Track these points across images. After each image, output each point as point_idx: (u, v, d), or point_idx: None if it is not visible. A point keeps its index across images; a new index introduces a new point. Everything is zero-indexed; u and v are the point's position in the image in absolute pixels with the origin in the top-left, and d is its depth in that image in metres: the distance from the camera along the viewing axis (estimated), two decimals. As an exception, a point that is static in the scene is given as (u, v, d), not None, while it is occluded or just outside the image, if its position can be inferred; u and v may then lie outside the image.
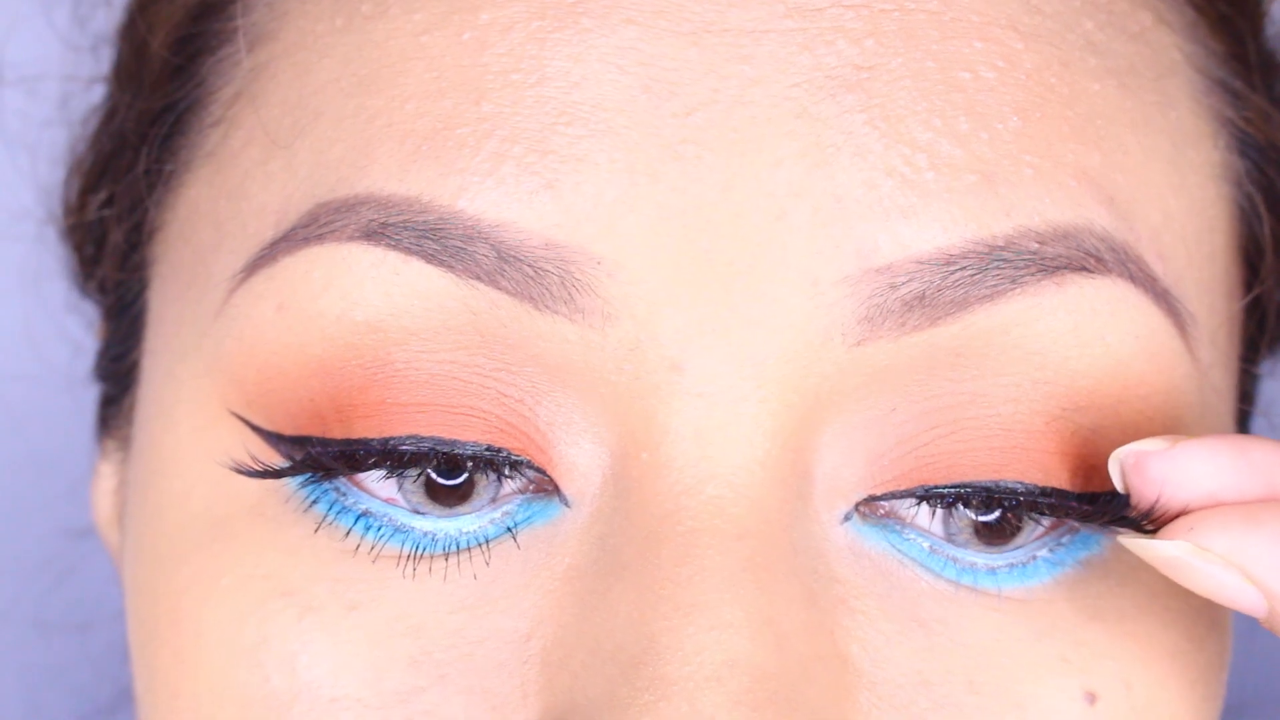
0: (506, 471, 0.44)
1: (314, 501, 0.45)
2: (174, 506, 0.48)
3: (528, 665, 0.44)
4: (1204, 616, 0.48)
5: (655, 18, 0.44)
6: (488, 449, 0.44)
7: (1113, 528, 0.45)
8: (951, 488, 0.44)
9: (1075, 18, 0.46)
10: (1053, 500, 0.45)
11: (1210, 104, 0.49)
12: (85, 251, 0.58)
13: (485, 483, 0.45)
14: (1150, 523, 0.45)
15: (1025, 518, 0.45)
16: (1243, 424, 0.56)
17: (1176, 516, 0.45)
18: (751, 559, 0.43)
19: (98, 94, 0.59)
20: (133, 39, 0.54)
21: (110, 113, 0.56)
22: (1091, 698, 0.45)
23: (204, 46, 0.50)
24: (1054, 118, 0.45)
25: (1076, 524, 0.45)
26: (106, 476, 0.57)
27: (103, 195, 0.55)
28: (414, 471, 0.45)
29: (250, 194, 0.47)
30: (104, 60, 0.58)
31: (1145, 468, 0.43)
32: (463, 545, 0.45)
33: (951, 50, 0.44)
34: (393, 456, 0.44)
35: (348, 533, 0.45)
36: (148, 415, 0.50)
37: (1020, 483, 0.45)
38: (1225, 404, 0.49)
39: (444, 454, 0.44)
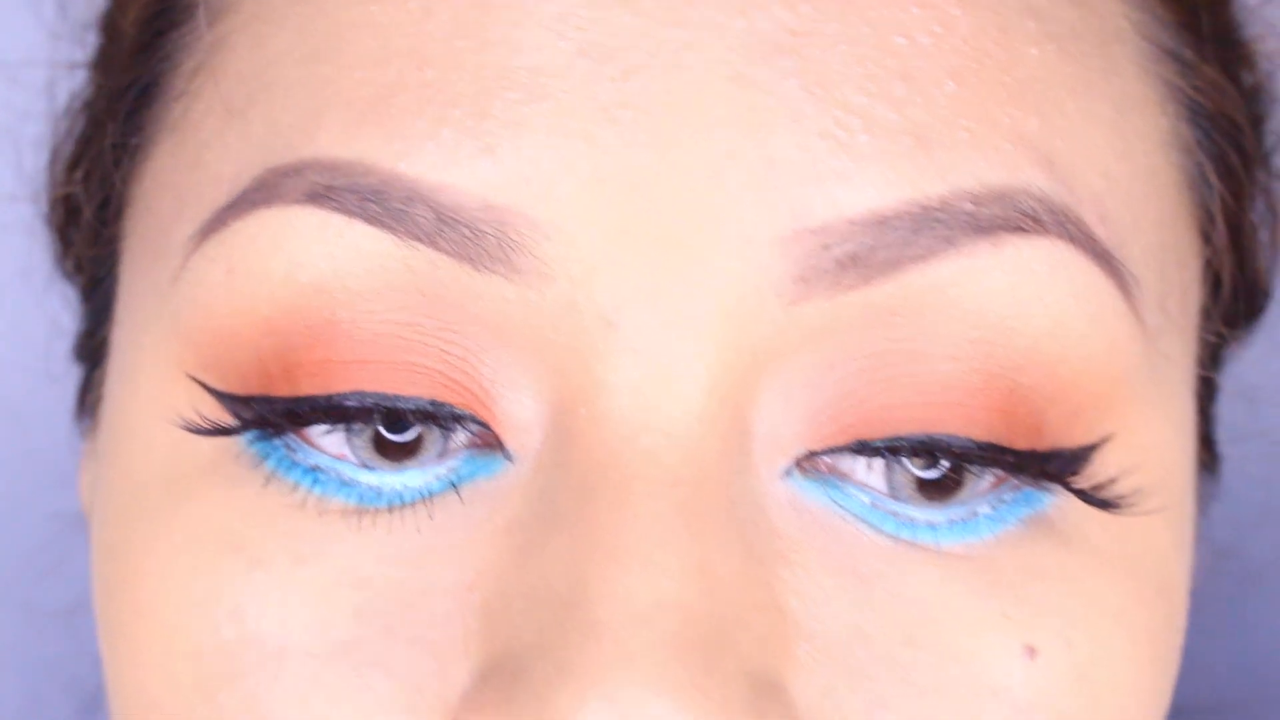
0: (449, 425, 0.45)
1: (264, 458, 0.46)
2: (135, 469, 0.49)
3: (470, 615, 0.44)
4: (1152, 580, 0.48)
5: None
6: (430, 404, 0.45)
7: (1047, 483, 0.45)
8: (885, 440, 0.45)
9: None
10: (988, 453, 0.45)
11: (1159, 72, 0.49)
12: (63, 230, 0.59)
13: (432, 438, 0.46)
14: (1085, 484, 0.45)
15: (966, 473, 0.46)
16: (1207, 396, 0.56)
17: (1112, 483, 0.45)
18: (685, 505, 0.43)
19: (80, 80, 0.60)
20: (108, 22, 0.55)
21: (88, 97, 0.58)
22: (1031, 652, 0.45)
23: (169, 22, 0.51)
24: (990, 82, 0.45)
25: (1011, 476, 0.46)
26: (90, 457, 0.58)
27: (78, 174, 0.56)
28: (360, 427, 0.45)
29: (207, 163, 0.48)
30: (89, 48, 0.59)
31: None
32: (407, 500, 0.45)
33: (887, 16, 0.45)
34: (336, 412, 0.45)
35: (295, 486, 0.46)
36: (114, 384, 0.51)
37: (955, 436, 0.45)
38: (1179, 372, 0.49)
39: (387, 409, 0.45)
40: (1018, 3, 0.46)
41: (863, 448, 0.45)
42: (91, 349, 0.57)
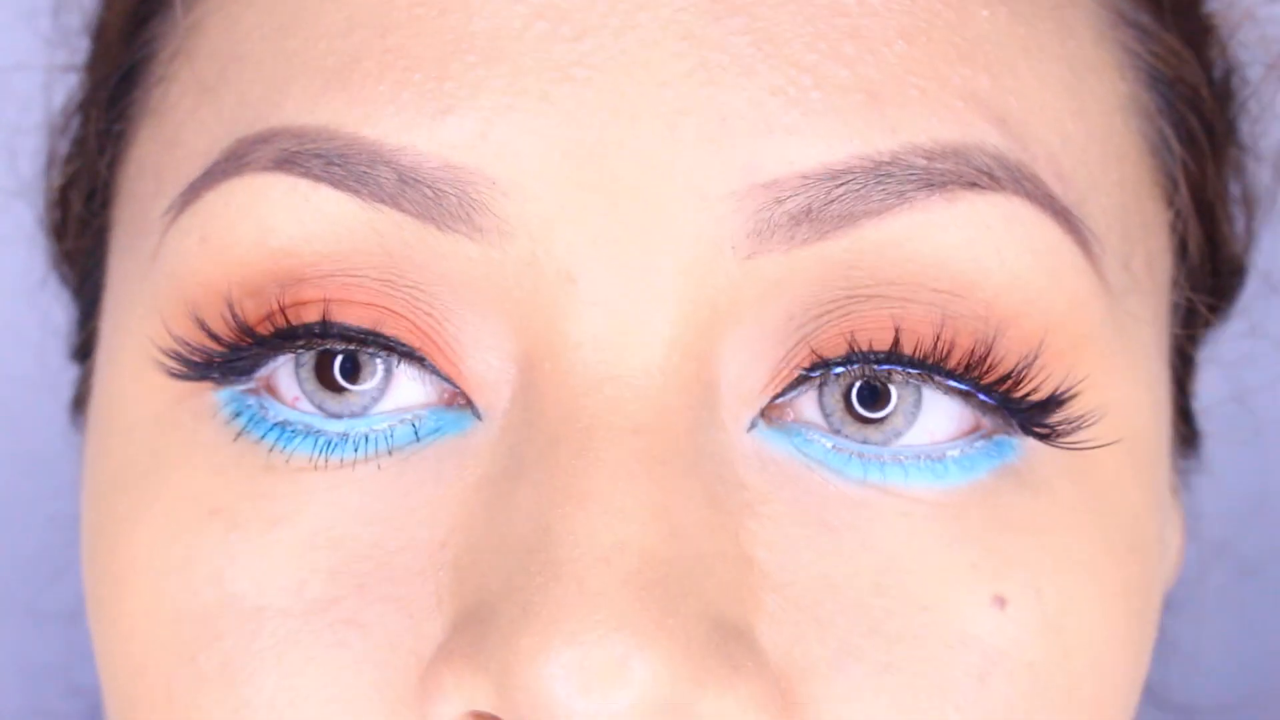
0: (404, 358, 0.46)
1: (237, 414, 0.47)
2: (119, 446, 0.50)
3: (441, 571, 0.45)
4: (1125, 537, 0.48)
5: None
6: (393, 340, 0.46)
7: (1018, 430, 0.46)
8: (840, 358, 0.45)
9: None
10: (924, 368, 0.46)
11: (1116, 37, 0.50)
12: (58, 231, 0.60)
13: (372, 368, 0.46)
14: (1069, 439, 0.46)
15: (889, 383, 0.46)
16: (1185, 370, 0.56)
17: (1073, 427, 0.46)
18: (647, 452, 0.44)
19: (74, 85, 0.61)
20: (98, 21, 0.57)
21: (80, 99, 0.59)
22: (1000, 602, 0.45)
23: (150, 11, 0.53)
24: (941, 42, 0.46)
25: (980, 423, 0.46)
26: None
27: (69, 169, 0.58)
28: (304, 358, 0.46)
29: (183, 140, 0.49)
30: (82, 53, 0.60)
31: None
32: (371, 443, 0.46)
33: None
34: (300, 334, 0.46)
35: (259, 440, 0.47)
36: (100, 369, 0.52)
37: (920, 349, 0.45)
38: (1149, 333, 0.50)
39: (351, 335, 0.46)
40: None
41: (818, 365, 0.45)
42: (83, 343, 0.58)
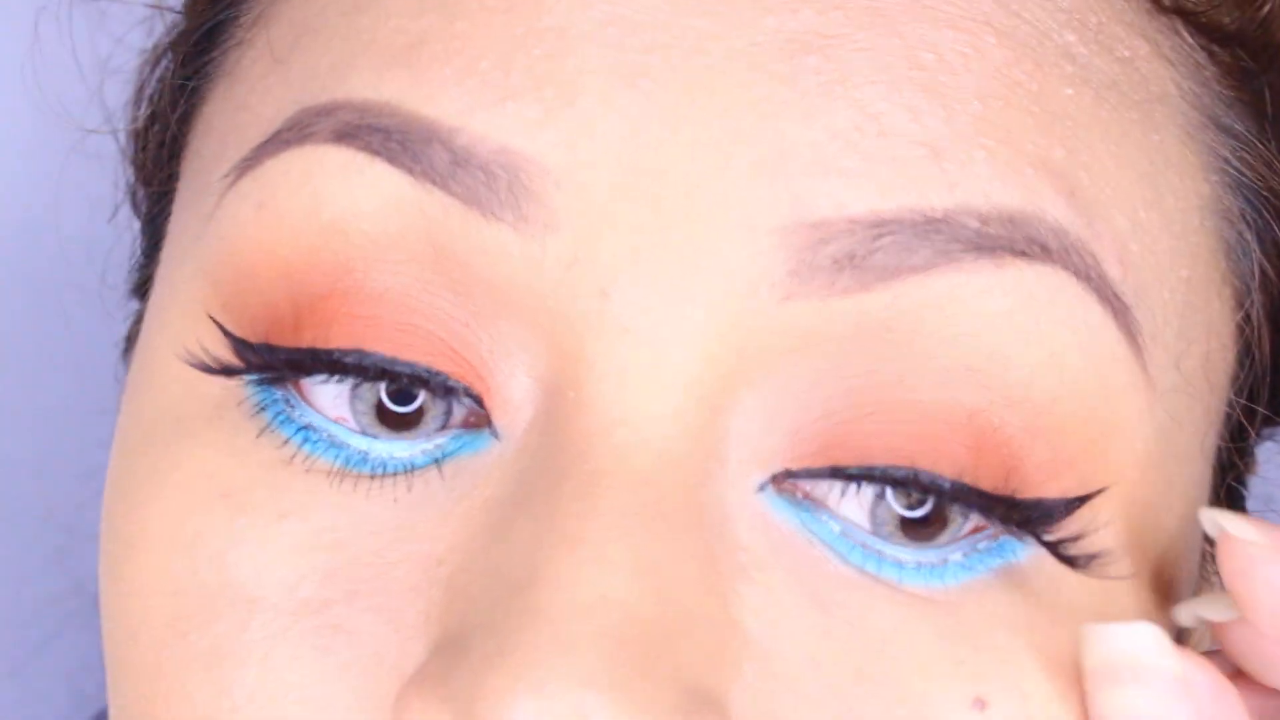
0: (440, 394, 0.46)
1: (262, 408, 0.47)
2: (149, 404, 0.50)
3: (435, 590, 0.45)
4: None
5: None
6: (426, 370, 0.46)
7: (1019, 531, 0.45)
8: (860, 469, 0.45)
9: (1058, 29, 0.46)
10: (959, 493, 0.45)
11: (1205, 140, 0.49)
12: (137, 163, 0.60)
13: (435, 413, 0.46)
14: (1059, 535, 0.44)
15: (950, 514, 0.45)
16: (1232, 474, 0.54)
17: (1087, 539, 0.45)
18: (647, 506, 0.43)
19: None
20: None
21: (171, 39, 0.59)
22: (981, 704, 0.44)
23: None
24: (1018, 109, 0.45)
25: (985, 521, 0.45)
26: None
27: (147, 111, 0.58)
28: (358, 383, 0.46)
29: (250, 105, 0.49)
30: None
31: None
32: (390, 469, 0.46)
33: (920, 32, 0.45)
34: (335, 366, 0.46)
35: (286, 441, 0.47)
36: (148, 320, 0.52)
37: (928, 471, 0.44)
38: (1189, 438, 0.48)
39: (383, 369, 0.46)
40: (1056, 46, 0.46)
41: (836, 473, 0.45)
42: (142, 285, 0.59)
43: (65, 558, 0.71)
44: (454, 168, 0.45)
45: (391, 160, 0.45)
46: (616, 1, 0.45)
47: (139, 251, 0.60)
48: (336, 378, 0.46)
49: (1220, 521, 0.44)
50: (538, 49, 0.45)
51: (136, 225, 0.62)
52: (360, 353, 0.46)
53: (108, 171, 0.64)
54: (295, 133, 0.47)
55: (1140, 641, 0.44)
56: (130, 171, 0.62)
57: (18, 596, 0.73)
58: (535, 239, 0.44)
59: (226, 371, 0.47)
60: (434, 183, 0.45)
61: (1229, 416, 0.51)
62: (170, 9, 0.60)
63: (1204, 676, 0.43)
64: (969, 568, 0.45)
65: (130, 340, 0.61)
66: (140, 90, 0.61)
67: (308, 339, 0.46)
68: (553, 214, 0.44)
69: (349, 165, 0.46)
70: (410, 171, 0.45)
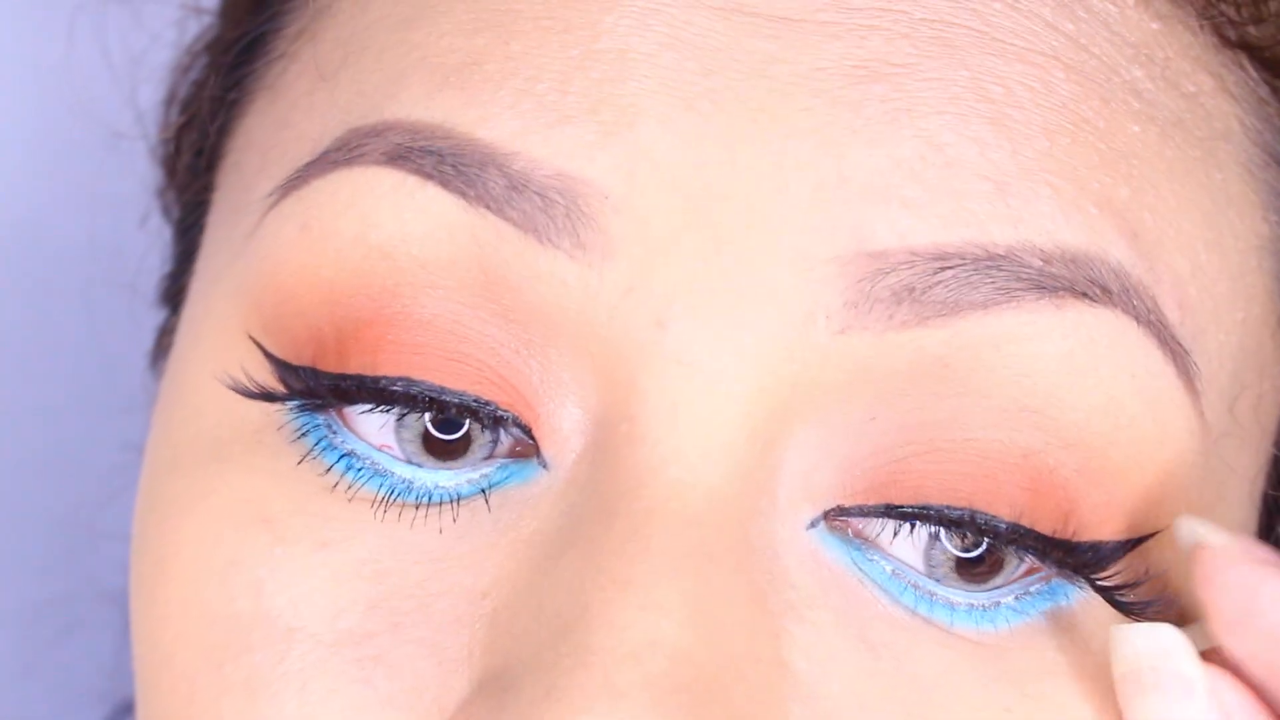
0: (491, 424, 0.45)
1: (304, 434, 0.46)
2: (185, 422, 0.49)
3: (479, 623, 0.44)
4: None
5: None
6: (475, 400, 0.45)
7: (1074, 575, 0.44)
8: (914, 508, 0.44)
9: (1125, 63, 0.45)
10: (1014, 535, 0.44)
11: (1265, 179, 0.48)
12: (169, 166, 0.59)
13: (480, 442, 0.45)
14: (1116, 580, 0.44)
15: (1006, 556, 0.45)
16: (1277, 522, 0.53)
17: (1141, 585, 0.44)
18: (699, 547, 0.42)
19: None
20: None
21: (208, 42, 0.58)
22: None
23: None
24: (1084, 146, 0.44)
25: (1040, 564, 0.44)
26: None
27: (183, 118, 0.57)
28: (404, 412, 0.45)
29: (294, 122, 0.48)
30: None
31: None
32: (435, 498, 0.45)
33: (988, 65, 0.44)
34: (381, 395, 0.45)
35: (328, 469, 0.46)
36: (182, 335, 0.51)
37: (983, 511, 0.44)
38: (1239, 484, 0.48)
39: (432, 399, 0.45)
40: (1123, 82, 0.45)
41: (890, 511, 0.44)
42: (173, 294, 0.58)
43: (79, 556, 0.70)
44: (510, 192, 0.44)
45: (445, 184, 0.44)
46: (676, 24, 0.44)
47: (170, 257, 0.59)
48: (383, 407, 0.45)
49: (1197, 530, 0.43)
50: (595, 71, 0.44)
51: (164, 226, 0.61)
52: (408, 380, 0.45)
53: (135, 170, 0.63)
54: (343, 153, 0.46)
55: (1162, 642, 0.43)
56: (161, 175, 0.61)
57: (31, 594, 0.73)
58: (592, 266, 0.43)
59: (268, 397, 0.46)
60: (488, 208, 0.44)
61: (1277, 459, 0.50)
62: (205, 10, 0.60)
63: (1225, 682, 0.43)
64: (1021, 611, 0.45)
65: (160, 349, 0.60)
66: (173, 93, 0.60)
67: (354, 365, 0.45)
68: (610, 241, 0.43)
69: (399, 188, 0.45)
70: (464, 196, 0.44)
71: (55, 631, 0.72)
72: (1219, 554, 0.43)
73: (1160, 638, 0.43)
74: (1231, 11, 0.47)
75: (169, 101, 0.60)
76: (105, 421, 0.67)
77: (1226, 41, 0.47)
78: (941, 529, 0.44)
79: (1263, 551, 0.43)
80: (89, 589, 0.70)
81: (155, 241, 0.61)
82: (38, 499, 0.73)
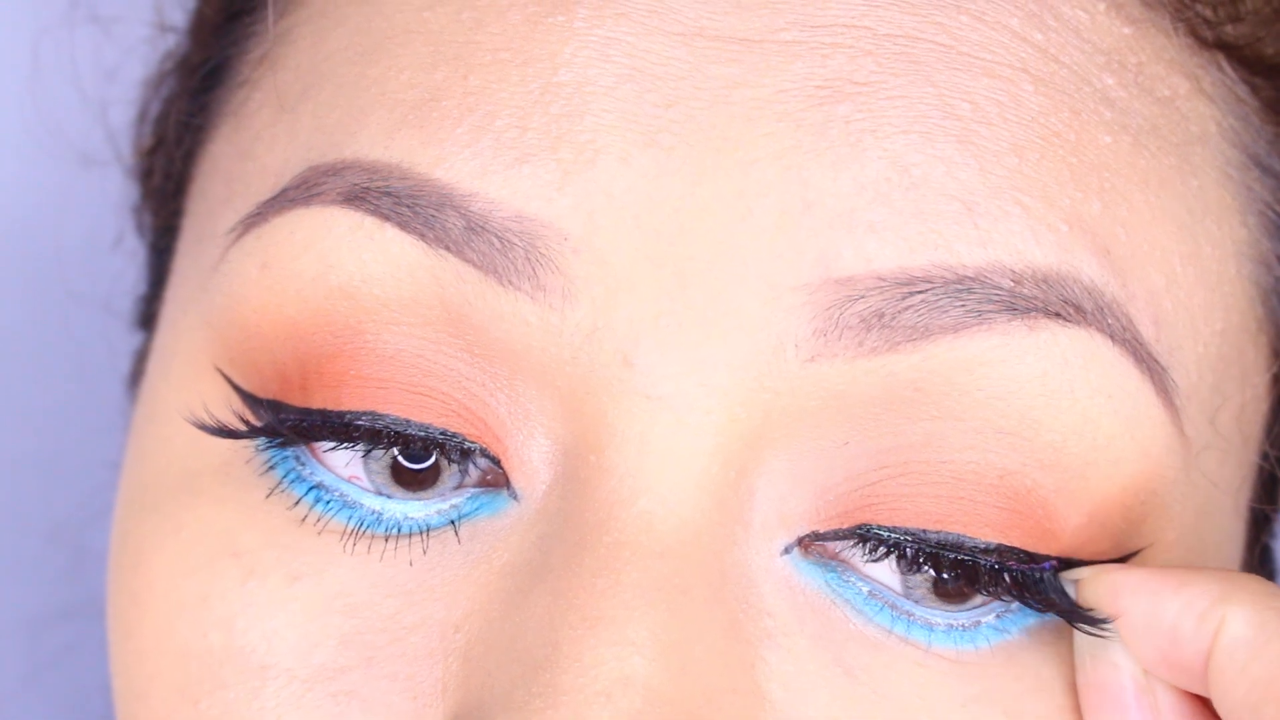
0: (458, 458, 0.44)
1: (272, 467, 0.46)
2: (155, 453, 0.48)
3: (451, 658, 0.44)
4: None
5: (648, 16, 0.43)
6: (441, 433, 0.44)
7: (1051, 607, 0.44)
8: (890, 531, 0.43)
9: (1096, 72, 0.45)
10: (994, 557, 0.43)
11: (1244, 181, 0.47)
12: (144, 185, 0.59)
13: (449, 472, 0.45)
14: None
15: (980, 576, 0.44)
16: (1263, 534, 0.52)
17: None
18: (670, 579, 0.42)
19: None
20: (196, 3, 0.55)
21: (180, 59, 0.57)
22: None
23: (242, 8, 0.51)
24: (1054, 161, 0.43)
25: (1013, 595, 0.44)
26: None
27: (152, 136, 0.56)
28: (370, 447, 0.45)
29: (257, 154, 0.48)
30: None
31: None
32: (405, 530, 0.45)
33: (955, 81, 0.43)
34: (346, 430, 0.45)
35: (297, 501, 0.45)
36: (153, 364, 0.51)
37: (962, 535, 0.43)
38: (1225, 497, 0.47)
39: (397, 434, 0.44)
40: (1094, 91, 0.44)
41: (867, 534, 0.43)
42: (147, 317, 0.57)
43: (78, 570, 0.70)
44: (468, 234, 0.43)
45: (403, 226, 0.44)
46: (635, 53, 0.43)
47: (144, 280, 0.59)
48: (346, 444, 0.45)
49: (1069, 580, 0.44)
50: (555, 106, 0.43)
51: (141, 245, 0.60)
52: (373, 414, 0.44)
53: (114, 184, 0.63)
54: (302, 191, 0.45)
55: (1114, 657, 0.44)
56: (137, 190, 0.60)
57: (31, 607, 0.73)
58: (554, 309, 0.43)
59: (230, 434, 0.46)
60: (448, 249, 0.43)
61: (1261, 468, 0.49)
62: (174, 29, 0.59)
63: (1167, 693, 0.44)
64: (1002, 629, 0.44)
65: (136, 373, 0.59)
66: (144, 110, 0.59)
67: (318, 400, 0.45)
68: (571, 282, 0.43)
69: (358, 229, 0.44)
70: (423, 237, 0.43)
71: (55, 649, 0.72)
72: (1084, 587, 0.44)
73: (1113, 654, 0.44)
74: (1208, 11, 0.46)
75: (141, 120, 0.60)
76: (105, 430, 0.67)
77: (1203, 42, 0.46)
78: (920, 552, 0.43)
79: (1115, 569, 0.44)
80: (87, 603, 0.70)
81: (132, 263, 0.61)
82: (32, 513, 0.73)
